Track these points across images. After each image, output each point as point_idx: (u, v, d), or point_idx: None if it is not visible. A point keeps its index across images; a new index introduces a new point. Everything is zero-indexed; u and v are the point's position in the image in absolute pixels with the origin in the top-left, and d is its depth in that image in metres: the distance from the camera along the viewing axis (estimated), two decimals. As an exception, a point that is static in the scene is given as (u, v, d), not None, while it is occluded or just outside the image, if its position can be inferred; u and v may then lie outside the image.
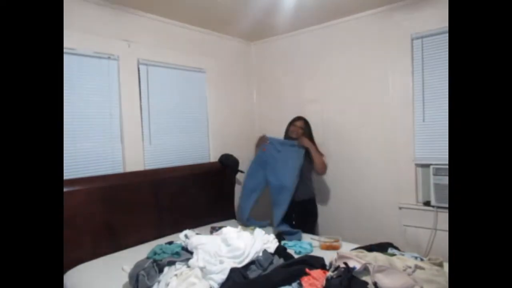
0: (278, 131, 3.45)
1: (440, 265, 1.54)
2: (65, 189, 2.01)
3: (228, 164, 3.09)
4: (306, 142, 2.69)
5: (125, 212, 2.31)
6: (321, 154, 2.74)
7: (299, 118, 2.88)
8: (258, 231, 1.94)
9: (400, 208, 2.69)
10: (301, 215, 2.68)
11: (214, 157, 3.14)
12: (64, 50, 2.14)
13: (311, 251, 2.02)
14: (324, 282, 1.39)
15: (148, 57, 2.65)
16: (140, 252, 1.94)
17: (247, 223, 2.68)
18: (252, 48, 3.63)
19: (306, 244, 2.09)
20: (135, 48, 2.56)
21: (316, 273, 1.47)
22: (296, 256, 1.82)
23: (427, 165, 2.52)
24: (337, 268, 1.44)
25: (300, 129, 2.79)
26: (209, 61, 3.15)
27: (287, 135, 2.90)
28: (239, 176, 3.25)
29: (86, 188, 2.13)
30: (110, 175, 2.35)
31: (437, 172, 2.42)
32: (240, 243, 1.70)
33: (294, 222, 2.61)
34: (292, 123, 2.87)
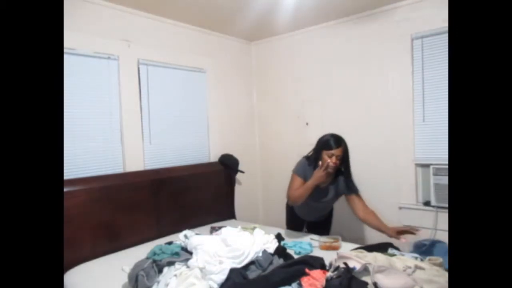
0: (277, 131, 3.47)
1: (440, 265, 1.54)
2: (65, 189, 2.01)
3: (228, 164, 3.09)
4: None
5: (125, 212, 2.31)
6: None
7: (338, 143, 2.07)
8: (258, 231, 1.94)
9: (400, 208, 2.69)
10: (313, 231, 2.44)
11: (214, 157, 3.14)
12: (64, 50, 2.14)
13: (311, 251, 2.02)
14: (324, 282, 1.39)
15: (148, 57, 2.65)
16: (139, 252, 1.94)
17: None
18: (252, 48, 3.63)
19: (306, 244, 2.08)
20: (135, 48, 2.56)
21: (316, 273, 1.47)
22: (295, 256, 1.82)
23: (427, 165, 2.52)
24: (337, 268, 1.43)
25: (338, 162, 2.08)
26: (209, 61, 3.15)
27: (314, 162, 2.15)
28: (239, 176, 3.25)
29: (86, 188, 2.13)
30: (110, 175, 2.35)
31: (437, 172, 2.42)
32: (240, 244, 1.70)
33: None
34: (327, 147, 2.08)
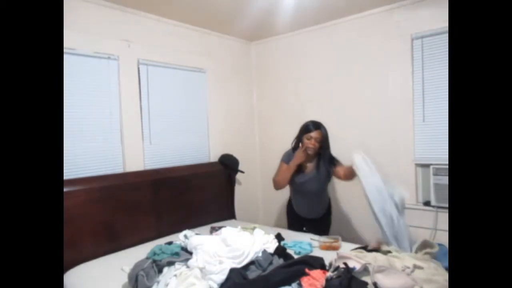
0: (277, 131, 3.46)
1: (434, 256, 1.56)
2: (65, 189, 2.01)
3: (228, 164, 3.09)
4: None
5: (125, 212, 2.31)
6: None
7: (316, 126, 2.32)
8: (258, 231, 1.94)
9: (400, 208, 2.69)
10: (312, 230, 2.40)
11: (214, 157, 3.14)
12: (64, 50, 2.14)
13: (311, 251, 2.02)
14: (323, 283, 1.39)
15: (148, 57, 2.65)
16: (139, 252, 1.94)
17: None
18: (252, 48, 3.63)
19: (306, 244, 2.08)
20: (135, 48, 2.56)
21: (316, 273, 1.47)
22: (295, 256, 1.82)
23: (427, 165, 2.52)
24: (337, 268, 1.44)
25: (316, 144, 2.30)
26: (209, 61, 3.15)
27: (297, 146, 2.40)
28: (239, 176, 3.25)
29: (86, 188, 2.13)
30: (110, 175, 2.35)
31: (437, 172, 2.42)
32: (240, 244, 1.70)
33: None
34: (306, 131, 2.33)
